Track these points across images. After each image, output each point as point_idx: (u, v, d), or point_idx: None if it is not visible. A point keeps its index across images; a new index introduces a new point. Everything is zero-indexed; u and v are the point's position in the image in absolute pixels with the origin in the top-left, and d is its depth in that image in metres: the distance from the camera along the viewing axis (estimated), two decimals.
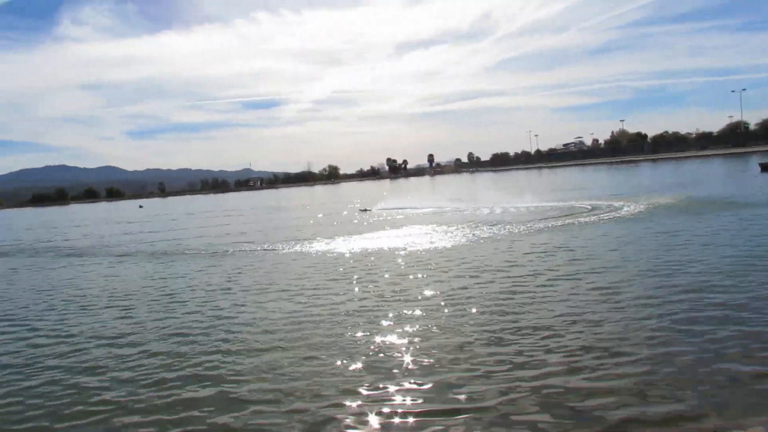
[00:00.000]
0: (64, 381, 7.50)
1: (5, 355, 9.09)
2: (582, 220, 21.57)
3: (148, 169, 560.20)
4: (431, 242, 18.65)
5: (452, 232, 21.03)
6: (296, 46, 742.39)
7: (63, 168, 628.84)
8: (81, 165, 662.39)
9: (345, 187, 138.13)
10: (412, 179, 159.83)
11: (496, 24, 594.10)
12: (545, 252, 14.82)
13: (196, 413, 6.07)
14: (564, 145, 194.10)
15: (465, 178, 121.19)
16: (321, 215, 37.69)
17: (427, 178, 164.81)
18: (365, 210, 37.40)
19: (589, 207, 26.15)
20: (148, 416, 6.10)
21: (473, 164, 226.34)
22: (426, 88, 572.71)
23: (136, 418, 6.08)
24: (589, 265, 12.47)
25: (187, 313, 11.01)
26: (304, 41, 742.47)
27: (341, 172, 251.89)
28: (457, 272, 12.91)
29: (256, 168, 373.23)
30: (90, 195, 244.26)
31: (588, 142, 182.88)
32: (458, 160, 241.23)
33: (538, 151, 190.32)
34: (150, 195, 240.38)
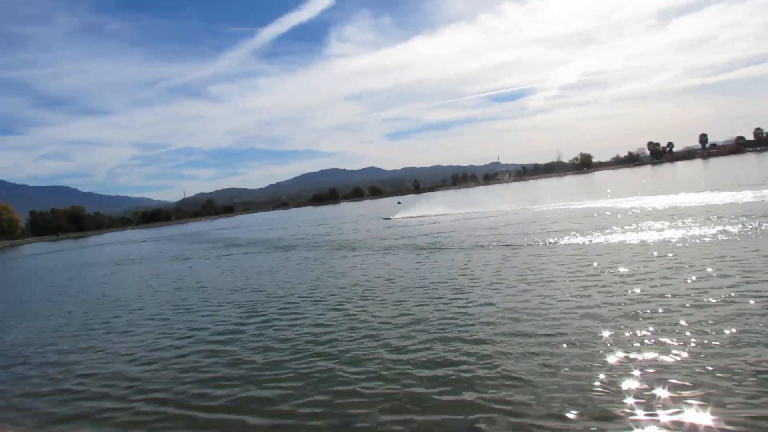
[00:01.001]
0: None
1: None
2: None
3: (404, 168, 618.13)
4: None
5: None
6: (543, 33, 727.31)
7: (334, 171, 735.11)
8: (348, 167, 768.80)
9: (599, 176, 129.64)
10: (679, 164, 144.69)
11: None
12: None
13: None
14: None
15: (749, 159, 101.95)
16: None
17: (698, 161, 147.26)
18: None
19: None
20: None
21: (762, 142, 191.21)
22: (695, 59, 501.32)
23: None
24: None
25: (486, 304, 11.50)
26: (552, 26, 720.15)
27: (594, 160, 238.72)
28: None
29: (503, 161, 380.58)
30: (356, 194, 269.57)
31: None
32: (740, 138, 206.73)
33: None
34: (406, 192, 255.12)
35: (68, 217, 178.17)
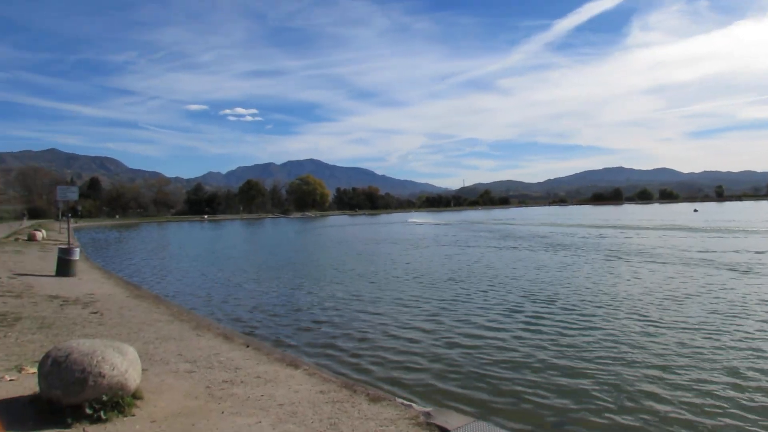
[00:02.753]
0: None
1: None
2: None
3: (704, 171, 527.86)
4: None
5: None
6: None
7: (619, 169, 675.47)
8: (636, 167, 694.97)
9: None
10: None
11: None
12: None
13: None
14: None
15: None
16: None
17: None
18: None
19: None
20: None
21: None
22: None
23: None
24: None
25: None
26: None
27: None
28: None
29: None
30: (643, 196, 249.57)
31: None
32: None
33: None
34: (705, 199, 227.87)
35: (365, 195, 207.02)
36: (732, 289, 14.34)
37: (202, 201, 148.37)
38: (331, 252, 31.84)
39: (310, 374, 6.93)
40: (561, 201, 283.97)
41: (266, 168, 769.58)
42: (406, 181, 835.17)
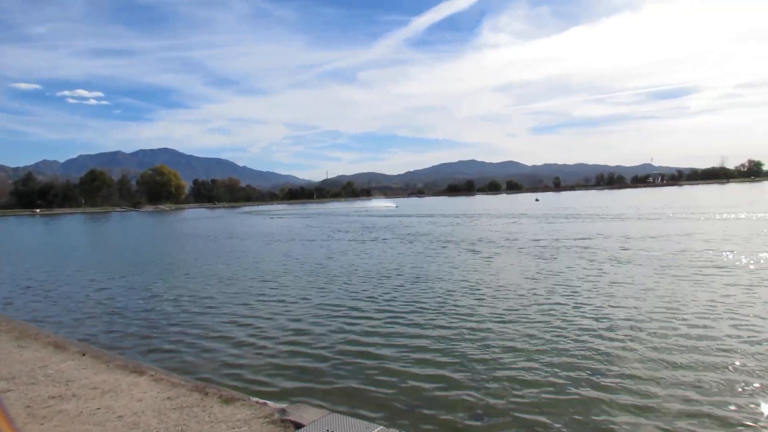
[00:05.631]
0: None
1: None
2: None
3: (545, 164, 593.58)
4: None
5: None
6: (720, 24, 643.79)
7: (472, 162, 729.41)
8: (487, 160, 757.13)
9: None
10: None
11: None
12: None
13: None
14: None
15: None
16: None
17: None
18: None
19: None
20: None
21: None
22: None
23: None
24: None
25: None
26: (731, 16, 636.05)
27: (765, 168, 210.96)
28: None
29: (656, 163, 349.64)
30: (493, 187, 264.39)
31: None
32: None
33: None
34: (545, 189, 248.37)
35: (225, 187, 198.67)
36: (557, 272, 16.05)
37: (33, 192, 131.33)
38: (183, 248, 30.09)
39: (157, 380, 6.43)
40: (419, 192, 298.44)
41: (113, 157, 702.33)
42: (268, 172, 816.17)
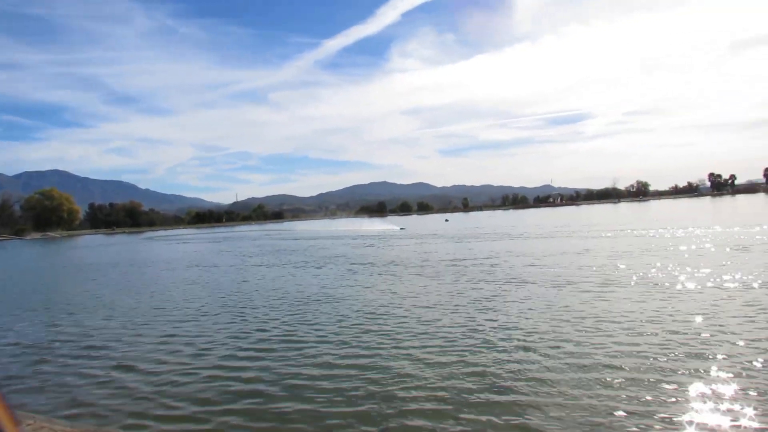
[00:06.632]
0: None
1: None
2: None
3: (454, 185, 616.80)
4: None
5: None
6: (608, 57, 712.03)
7: (384, 184, 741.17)
8: (398, 181, 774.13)
9: (654, 205, 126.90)
10: (740, 197, 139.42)
11: None
12: None
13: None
14: None
15: None
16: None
17: (761, 196, 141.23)
18: None
19: None
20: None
21: None
22: (765, 90, 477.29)
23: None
24: None
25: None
26: (618, 50, 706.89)
27: (651, 188, 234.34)
28: None
29: (556, 184, 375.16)
30: (404, 208, 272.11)
31: None
32: None
33: None
34: (454, 210, 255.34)
35: (125, 211, 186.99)
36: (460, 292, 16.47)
37: None
38: (70, 281, 27.50)
39: (37, 429, 5.58)
40: (332, 214, 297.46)
41: None
42: (174, 195, 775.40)
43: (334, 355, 9.69)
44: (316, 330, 11.81)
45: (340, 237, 58.43)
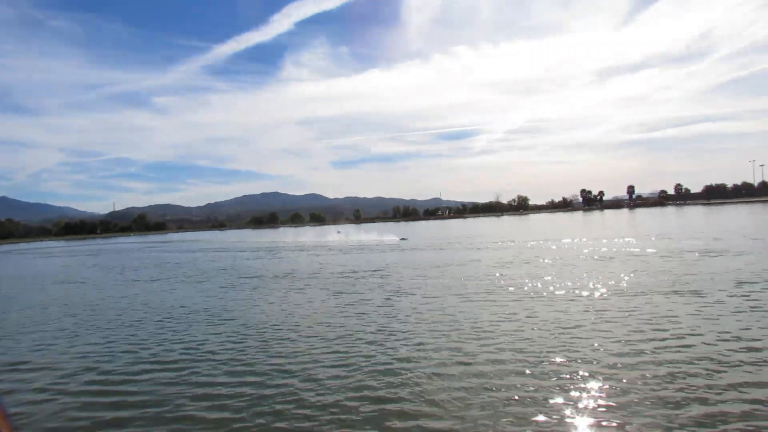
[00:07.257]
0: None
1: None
2: None
3: (346, 197, 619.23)
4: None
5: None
6: (493, 78, 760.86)
7: (276, 194, 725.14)
8: (290, 192, 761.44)
9: (533, 218, 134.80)
10: (607, 212, 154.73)
11: (716, 44, 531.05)
12: None
13: None
14: None
15: (669, 212, 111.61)
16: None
17: (624, 210, 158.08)
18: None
19: None
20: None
21: (681, 197, 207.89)
22: (629, 115, 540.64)
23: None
24: None
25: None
26: (502, 72, 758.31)
27: (531, 203, 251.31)
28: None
29: (445, 197, 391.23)
30: (296, 219, 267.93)
31: None
32: (663, 192, 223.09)
33: (764, 183, 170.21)
34: (346, 221, 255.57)
35: None
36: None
37: None
38: None
39: None
40: (221, 225, 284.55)
41: None
42: (39, 204, 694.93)
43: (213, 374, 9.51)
44: (194, 348, 11.45)
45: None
